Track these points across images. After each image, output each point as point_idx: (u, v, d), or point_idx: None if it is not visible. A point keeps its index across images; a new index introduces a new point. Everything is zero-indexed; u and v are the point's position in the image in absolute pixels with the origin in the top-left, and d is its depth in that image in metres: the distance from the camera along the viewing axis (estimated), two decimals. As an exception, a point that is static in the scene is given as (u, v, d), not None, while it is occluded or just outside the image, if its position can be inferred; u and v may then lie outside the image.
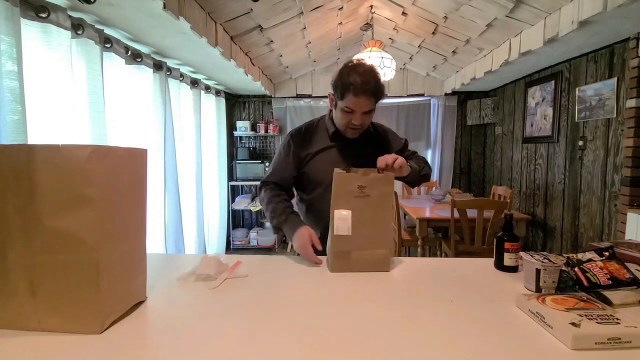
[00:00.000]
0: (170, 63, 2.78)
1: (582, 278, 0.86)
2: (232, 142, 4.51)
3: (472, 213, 2.54)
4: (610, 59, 2.49)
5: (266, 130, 4.32)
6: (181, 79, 2.96)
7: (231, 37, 2.63)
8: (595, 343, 0.65)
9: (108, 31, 2.03)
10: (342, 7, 2.85)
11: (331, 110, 1.35)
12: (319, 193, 1.34)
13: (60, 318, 0.70)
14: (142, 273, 0.86)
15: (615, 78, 2.42)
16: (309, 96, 4.46)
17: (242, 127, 4.32)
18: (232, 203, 4.37)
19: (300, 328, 0.74)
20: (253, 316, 0.80)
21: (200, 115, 3.37)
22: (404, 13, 2.96)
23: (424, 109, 4.45)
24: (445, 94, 4.31)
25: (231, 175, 4.36)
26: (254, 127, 4.43)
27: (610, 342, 0.64)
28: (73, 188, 0.67)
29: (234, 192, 4.55)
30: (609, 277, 0.84)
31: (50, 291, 0.70)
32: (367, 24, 3.43)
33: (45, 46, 1.62)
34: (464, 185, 4.48)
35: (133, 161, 0.81)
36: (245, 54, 3.04)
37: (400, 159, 1.12)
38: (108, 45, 2.04)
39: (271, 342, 0.69)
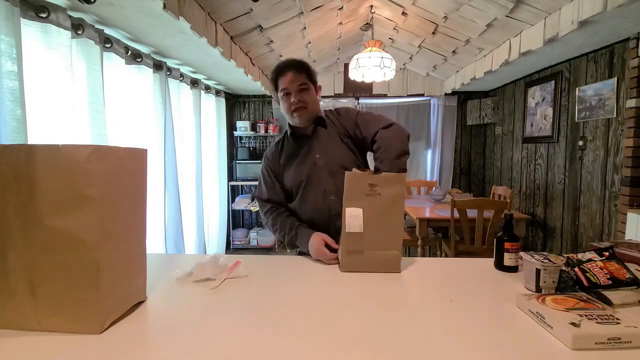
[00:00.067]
0: (170, 63, 2.78)
1: (582, 278, 0.86)
2: (232, 142, 4.51)
3: (472, 213, 2.53)
4: (610, 59, 2.49)
5: (266, 130, 4.32)
6: (181, 79, 2.96)
7: (231, 37, 2.63)
8: (595, 343, 0.65)
9: (108, 31, 2.03)
10: (342, 7, 2.85)
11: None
12: (298, 198, 1.34)
13: (60, 318, 0.70)
14: (142, 273, 0.86)
15: (615, 78, 2.42)
16: (309, 96, 4.45)
17: (242, 127, 4.32)
18: (232, 203, 4.37)
19: (300, 328, 0.74)
20: (253, 316, 0.80)
21: (200, 115, 3.37)
22: (404, 13, 2.96)
23: (424, 109, 4.45)
24: (445, 94, 4.31)
25: (231, 175, 4.36)
26: (254, 127, 4.43)
27: (610, 342, 0.64)
28: (73, 188, 0.67)
29: (234, 192, 4.55)
30: (609, 277, 0.84)
31: (50, 291, 0.70)
32: (367, 24, 3.43)
33: (45, 46, 1.62)
34: (464, 185, 4.48)
35: (133, 161, 0.81)
36: (245, 54, 3.04)
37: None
38: (108, 45, 2.04)
39: (271, 342, 0.69)
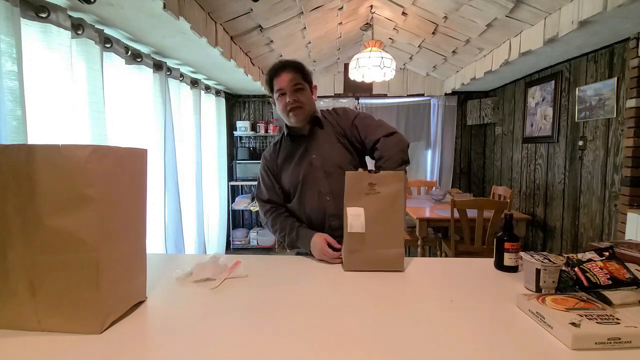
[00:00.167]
0: (170, 63, 2.78)
1: (582, 278, 0.86)
2: (232, 142, 4.51)
3: (472, 213, 2.53)
4: (610, 59, 2.49)
5: (266, 130, 4.32)
6: (181, 79, 2.96)
7: (231, 37, 2.63)
8: (595, 343, 0.65)
9: (108, 31, 2.03)
10: (342, 7, 2.85)
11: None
12: (296, 198, 1.34)
13: (60, 318, 0.70)
14: (142, 273, 0.86)
15: (615, 78, 2.42)
16: (309, 96, 4.45)
17: (242, 127, 4.32)
18: (232, 203, 4.37)
19: (300, 328, 0.74)
20: (253, 316, 0.80)
21: (200, 115, 3.37)
22: (404, 13, 2.96)
23: (424, 109, 4.45)
24: (445, 94, 4.31)
25: (231, 175, 4.36)
26: (254, 127, 4.43)
27: (610, 342, 0.64)
28: (73, 188, 0.67)
29: (234, 192, 4.55)
30: (609, 277, 0.84)
31: (50, 291, 0.70)
32: (367, 24, 3.43)
33: (45, 46, 1.62)
34: (464, 185, 4.48)
35: (133, 161, 0.81)
36: (245, 54, 3.04)
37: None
38: (108, 45, 2.04)
39: (271, 342, 0.69)
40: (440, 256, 3.06)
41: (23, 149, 0.68)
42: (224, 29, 2.45)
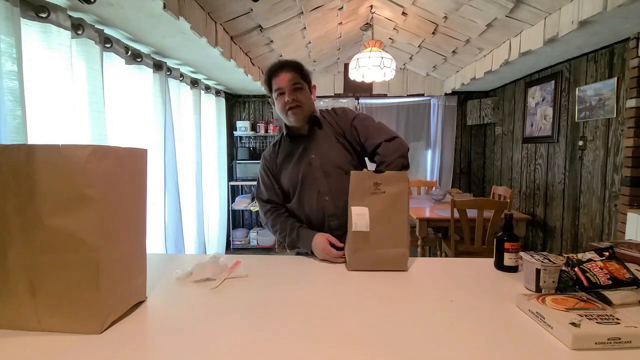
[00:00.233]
0: (170, 63, 2.78)
1: (582, 278, 0.86)
2: (232, 142, 4.51)
3: (472, 213, 2.53)
4: (610, 59, 2.49)
5: (266, 130, 4.32)
6: (181, 79, 2.96)
7: (231, 37, 2.63)
8: (595, 343, 0.65)
9: (108, 31, 2.03)
10: (342, 7, 2.85)
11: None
12: (295, 198, 1.34)
13: (60, 318, 0.70)
14: (142, 273, 0.86)
15: (615, 78, 2.42)
16: (309, 96, 4.45)
17: (242, 127, 4.32)
18: (232, 203, 4.37)
19: (300, 328, 0.74)
20: (253, 316, 0.80)
21: (200, 115, 3.37)
22: (404, 13, 2.96)
23: (424, 109, 4.45)
24: (445, 94, 4.31)
25: (231, 175, 4.36)
26: (254, 127, 4.43)
27: (610, 342, 0.64)
28: (73, 188, 0.67)
29: (234, 192, 4.55)
30: (609, 277, 0.84)
31: (50, 291, 0.70)
32: (367, 24, 3.43)
33: (45, 46, 1.62)
34: (464, 185, 4.48)
35: (133, 161, 0.81)
36: (245, 54, 3.04)
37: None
38: (108, 45, 2.04)
39: (271, 342, 0.69)
40: (440, 256, 3.06)
41: (23, 149, 0.68)
42: (224, 29, 2.45)
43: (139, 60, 2.31)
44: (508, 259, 1.07)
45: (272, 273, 1.09)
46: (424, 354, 0.65)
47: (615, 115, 2.44)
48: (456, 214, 2.55)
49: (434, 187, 3.98)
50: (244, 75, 3.11)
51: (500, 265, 1.09)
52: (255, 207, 4.22)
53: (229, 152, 4.27)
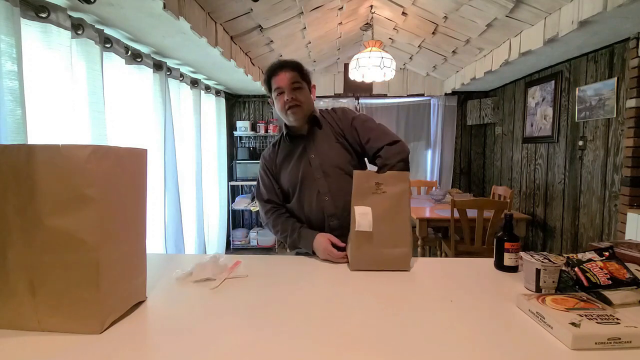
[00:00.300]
0: (170, 63, 2.78)
1: (582, 278, 0.86)
2: (232, 142, 4.51)
3: (472, 213, 2.53)
4: (610, 59, 2.49)
5: (266, 130, 4.32)
6: (181, 79, 2.96)
7: (231, 37, 2.63)
8: (595, 343, 0.65)
9: (108, 31, 2.03)
10: (342, 7, 2.85)
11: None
12: (295, 199, 1.34)
13: (60, 318, 0.70)
14: (142, 273, 0.86)
15: (615, 78, 2.42)
16: (309, 96, 4.45)
17: (242, 127, 4.32)
18: (232, 203, 4.37)
19: (300, 328, 0.74)
20: (253, 316, 0.80)
21: (200, 115, 3.37)
22: (404, 13, 2.96)
23: (424, 109, 4.45)
24: (445, 94, 4.31)
25: (231, 175, 4.36)
26: (254, 127, 4.43)
27: (610, 342, 0.64)
28: (73, 188, 0.67)
29: (234, 192, 4.55)
30: (609, 277, 0.84)
31: (50, 291, 0.70)
32: (367, 24, 3.43)
33: (45, 46, 1.62)
34: (464, 185, 4.48)
35: (133, 161, 0.81)
36: (245, 54, 3.04)
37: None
38: (108, 45, 2.04)
39: (271, 342, 0.69)
40: (440, 256, 3.06)
41: (23, 149, 0.68)
42: (224, 29, 2.45)
43: (139, 60, 2.31)
44: (508, 259, 1.07)
45: (272, 273, 1.09)
46: (424, 354, 0.65)
47: (615, 115, 2.44)
48: (456, 214, 2.55)
49: (434, 187, 3.98)
50: (244, 75, 3.11)
51: (500, 265, 1.09)
52: (255, 207, 4.22)
53: (229, 152, 4.27)
